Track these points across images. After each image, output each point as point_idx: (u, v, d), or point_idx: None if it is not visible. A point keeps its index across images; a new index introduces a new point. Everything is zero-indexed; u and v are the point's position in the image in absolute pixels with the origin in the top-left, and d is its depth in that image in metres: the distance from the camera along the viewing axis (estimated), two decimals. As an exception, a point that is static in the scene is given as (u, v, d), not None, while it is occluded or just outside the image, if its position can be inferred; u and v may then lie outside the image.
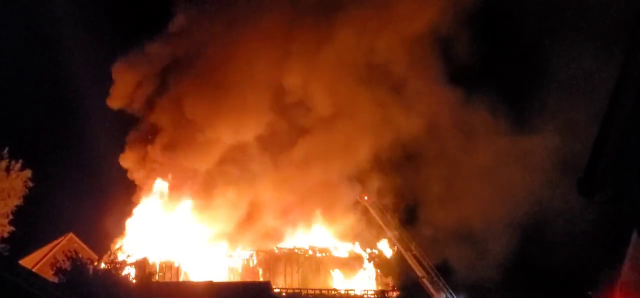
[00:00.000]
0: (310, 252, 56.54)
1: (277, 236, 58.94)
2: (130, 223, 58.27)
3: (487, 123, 61.98)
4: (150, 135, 61.23)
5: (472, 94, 61.66)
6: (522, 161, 62.76)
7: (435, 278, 65.17)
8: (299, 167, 59.88)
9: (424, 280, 64.74)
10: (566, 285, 68.55)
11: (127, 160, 60.93)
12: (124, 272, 36.52)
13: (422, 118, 61.12)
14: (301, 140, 60.24)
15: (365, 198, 63.44)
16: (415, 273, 64.27)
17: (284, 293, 50.58)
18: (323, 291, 53.04)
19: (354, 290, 54.51)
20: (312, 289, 52.54)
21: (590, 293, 59.87)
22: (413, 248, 64.22)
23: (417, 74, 61.32)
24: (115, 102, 60.89)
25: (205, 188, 58.95)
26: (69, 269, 34.45)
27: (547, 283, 70.65)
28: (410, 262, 64.03)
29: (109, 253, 37.26)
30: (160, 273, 51.35)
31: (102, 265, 35.99)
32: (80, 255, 36.16)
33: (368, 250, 57.89)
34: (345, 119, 60.66)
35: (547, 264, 68.06)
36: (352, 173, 61.24)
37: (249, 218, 59.22)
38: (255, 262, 56.22)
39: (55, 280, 34.27)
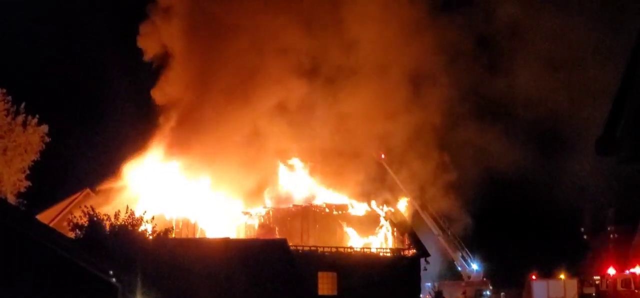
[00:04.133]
0: (327, 210, 56.51)
1: (293, 194, 58.92)
2: (148, 180, 58.33)
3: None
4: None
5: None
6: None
7: (451, 237, 65.32)
8: (317, 124, 59.92)
9: (440, 238, 64.88)
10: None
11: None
12: (141, 228, 36.59)
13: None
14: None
15: (382, 156, 63.43)
16: (432, 231, 64.41)
17: (300, 251, 50.58)
18: (339, 249, 53.06)
19: (370, 248, 54.55)
20: (328, 247, 52.54)
21: (585, 236, 60.50)
22: (429, 207, 64.29)
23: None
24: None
25: (222, 147, 58.86)
26: (85, 225, 34.56)
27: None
28: (426, 220, 64.13)
29: (125, 209, 37.16)
30: (177, 230, 51.44)
31: (119, 221, 35.94)
32: (96, 211, 36.23)
33: (384, 208, 57.81)
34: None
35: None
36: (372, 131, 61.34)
37: (266, 176, 59.28)
38: (271, 219, 56.26)
39: (72, 235, 34.41)
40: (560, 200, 68.99)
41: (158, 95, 60.02)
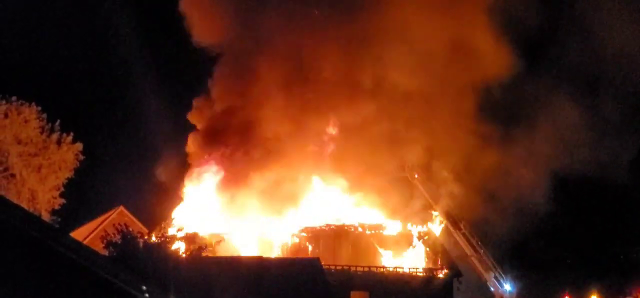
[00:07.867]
0: (360, 229, 56.34)
1: (326, 213, 58.75)
2: (181, 198, 58.50)
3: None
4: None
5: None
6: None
7: (484, 258, 64.76)
8: (349, 143, 59.71)
9: (473, 258, 64.35)
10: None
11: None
12: (175, 246, 36.60)
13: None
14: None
15: (415, 175, 63.08)
16: (465, 251, 63.95)
17: (332, 270, 50.43)
18: (372, 268, 52.87)
19: (402, 268, 54.33)
20: (361, 266, 52.35)
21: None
22: (462, 226, 63.80)
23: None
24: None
25: (255, 164, 58.86)
26: (119, 242, 34.58)
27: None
28: (459, 240, 63.63)
29: (159, 227, 37.25)
30: (210, 248, 51.43)
31: (153, 239, 36.01)
32: (130, 229, 36.27)
33: (418, 228, 57.55)
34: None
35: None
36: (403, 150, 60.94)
37: (300, 194, 59.16)
38: (303, 238, 56.19)
39: (106, 253, 34.46)
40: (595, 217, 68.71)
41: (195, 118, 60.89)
